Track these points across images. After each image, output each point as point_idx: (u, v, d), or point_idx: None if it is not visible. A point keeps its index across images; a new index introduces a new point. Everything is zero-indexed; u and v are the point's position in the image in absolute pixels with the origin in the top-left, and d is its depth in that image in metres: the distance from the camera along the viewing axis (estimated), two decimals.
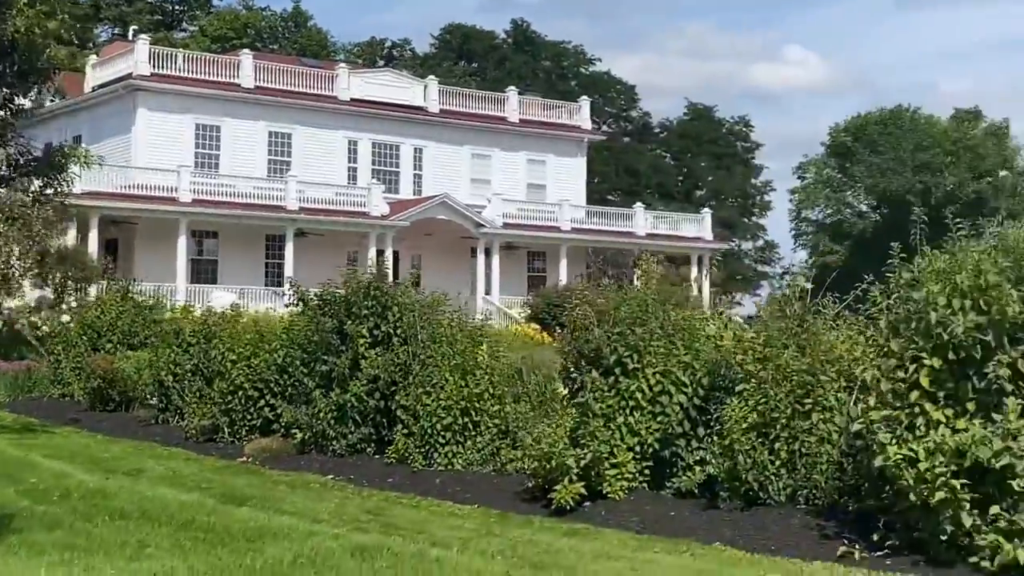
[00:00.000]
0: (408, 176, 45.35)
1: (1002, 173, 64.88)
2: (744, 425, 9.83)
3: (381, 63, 76.15)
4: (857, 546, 8.47)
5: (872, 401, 8.79)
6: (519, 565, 8.13)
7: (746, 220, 78.67)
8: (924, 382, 8.52)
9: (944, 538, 8.13)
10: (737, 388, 10.32)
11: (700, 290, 43.11)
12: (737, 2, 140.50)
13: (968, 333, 8.41)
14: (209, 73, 41.54)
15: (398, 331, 13.69)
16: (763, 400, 9.93)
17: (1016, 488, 8.01)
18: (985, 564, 7.91)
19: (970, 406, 8.50)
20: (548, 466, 10.41)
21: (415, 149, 45.47)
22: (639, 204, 49.17)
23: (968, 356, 8.50)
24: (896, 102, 73.36)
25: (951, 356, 8.51)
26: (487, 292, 42.61)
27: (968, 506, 8.04)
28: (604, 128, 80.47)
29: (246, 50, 45.76)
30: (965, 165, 65.77)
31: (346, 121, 43.79)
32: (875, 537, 8.57)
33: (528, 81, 75.23)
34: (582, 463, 10.25)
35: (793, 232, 77.43)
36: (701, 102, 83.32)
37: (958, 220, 9.40)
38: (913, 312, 8.78)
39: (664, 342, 11.03)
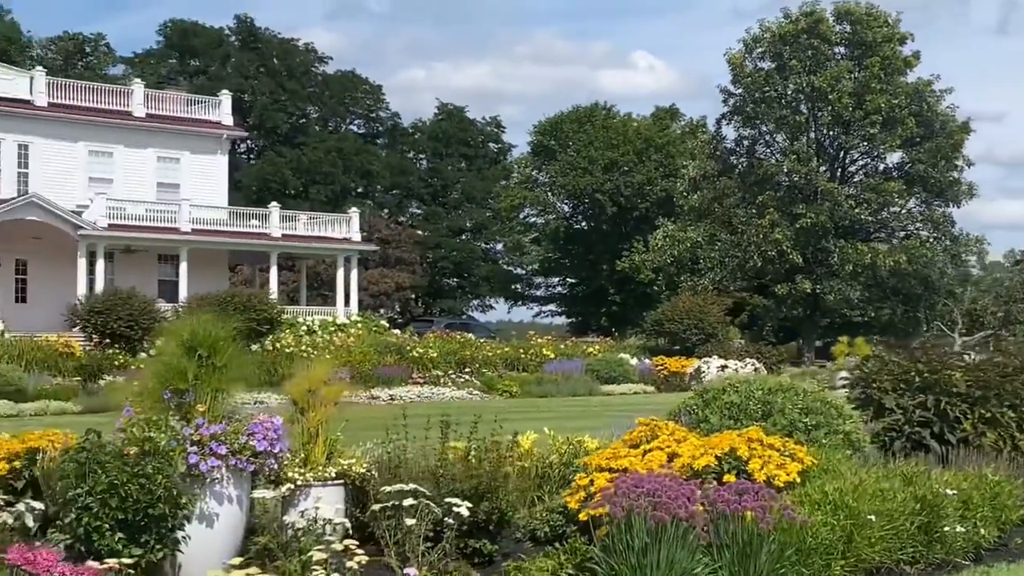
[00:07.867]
0: (11, 175, 41.38)
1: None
2: None
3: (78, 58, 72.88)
4: None
5: None
6: None
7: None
8: None
9: None
10: None
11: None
12: (583, 9, 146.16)
13: None
14: None
15: None
16: None
17: None
18: None
19: None
20: None
21: (19, 145, 41.62)
22: (275, 204, 46.54)
23: None
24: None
25: None
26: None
27: None
28: (352, 128, 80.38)
29: None
30: (655, 163, 64.93)
31: None
32: None
33: (254, 79, 74.64)
34: None
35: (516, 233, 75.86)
36: (452, 103, 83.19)
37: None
38: None
39: None
